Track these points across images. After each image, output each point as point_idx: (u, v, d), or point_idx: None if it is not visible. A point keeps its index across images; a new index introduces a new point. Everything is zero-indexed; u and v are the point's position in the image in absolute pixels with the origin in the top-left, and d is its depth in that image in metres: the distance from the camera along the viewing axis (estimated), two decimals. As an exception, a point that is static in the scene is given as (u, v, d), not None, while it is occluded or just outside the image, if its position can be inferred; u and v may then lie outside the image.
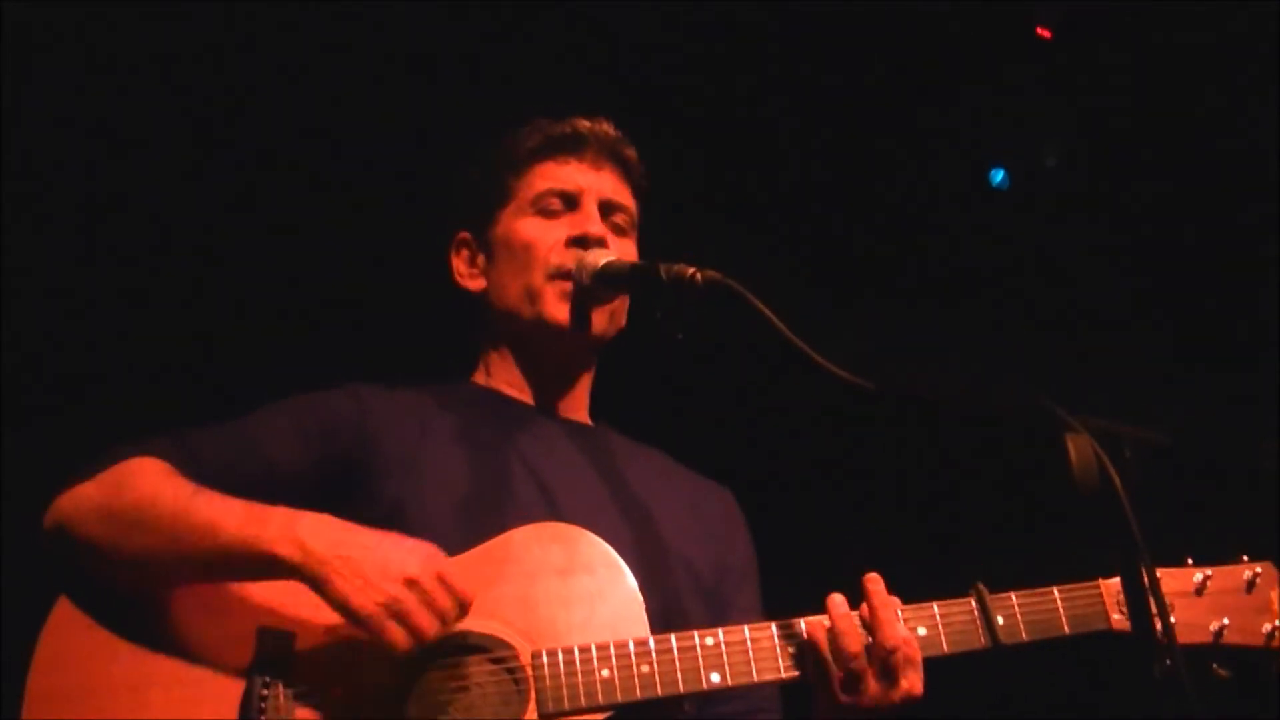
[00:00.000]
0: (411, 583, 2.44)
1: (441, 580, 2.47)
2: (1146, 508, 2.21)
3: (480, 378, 3.13)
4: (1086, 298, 5.17)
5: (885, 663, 2.59)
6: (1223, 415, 4.50)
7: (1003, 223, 5.29)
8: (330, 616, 2.49)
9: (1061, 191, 5.24)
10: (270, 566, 2.49)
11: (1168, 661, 2.25)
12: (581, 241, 3.00)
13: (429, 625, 2.44)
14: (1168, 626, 2.28)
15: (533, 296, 3.00)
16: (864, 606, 2.64)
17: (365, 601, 2.43)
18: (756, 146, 5.00)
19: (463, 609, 2.49)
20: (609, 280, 2.92)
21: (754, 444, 4.77)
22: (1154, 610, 2.25)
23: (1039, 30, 4.91)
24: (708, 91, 4.87)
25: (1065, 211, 5.21)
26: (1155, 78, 4.91)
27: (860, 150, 5.13)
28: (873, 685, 2.59)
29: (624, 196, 3.14)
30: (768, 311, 2.51)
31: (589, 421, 3.14)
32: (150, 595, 2.60)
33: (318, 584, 2.46)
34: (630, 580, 2.65)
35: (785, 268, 4.89)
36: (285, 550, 2.48)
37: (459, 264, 3.17)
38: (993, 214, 5.33)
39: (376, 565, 2.45)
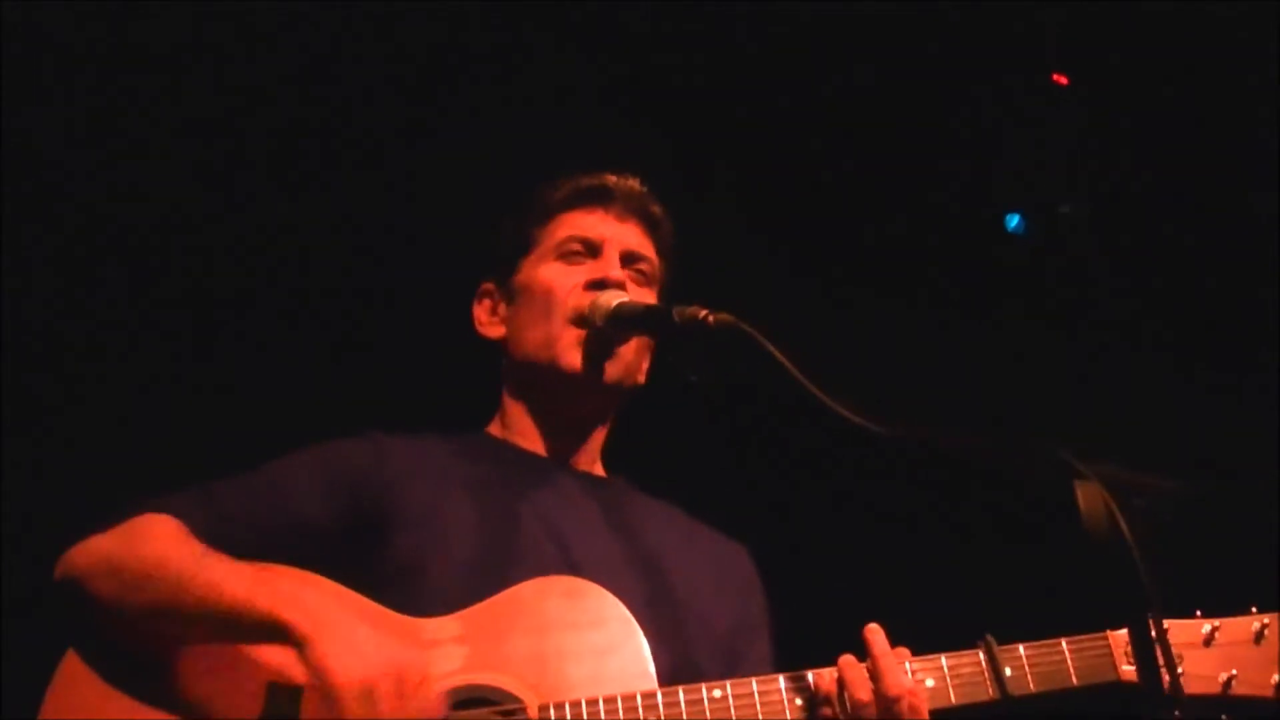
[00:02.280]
0: (387, 677, 2.45)
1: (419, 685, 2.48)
2: (1157, 557, 2.20)
3: (496, 429, 3.15)
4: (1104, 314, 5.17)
5: (889, 711, 2.58)
6: (1235, 460, 4.49)
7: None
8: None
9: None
10: (271, 627, 2.51)
11: (1176, 713, 2.25)
12: (600, 285, 3.02)
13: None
14: (1175, 679, 2.28)
15: (550, 342, 3.01)
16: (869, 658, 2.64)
17: (341, 678, 2.44)
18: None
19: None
20: (622, 322, 2.94)
21: (767, 496, 4.77)
22: (1162, 662, 2.25)
23: (1055, 77, 4.91)
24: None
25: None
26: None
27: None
28: None
29: (647, 249, 3.16)
30: (779, 354, 2.52)
31: (604, 475, 3.15)
32: (158, 651, 2.61)
33: (303, 645, 2.48)
34: (640, 636, 2.66)
35: (799, 285, 4.90)
36: (287, 613, 2.50)
37: (480, 313, 3.21)
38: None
39: (366, 644, 2.48)
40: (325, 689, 2.43)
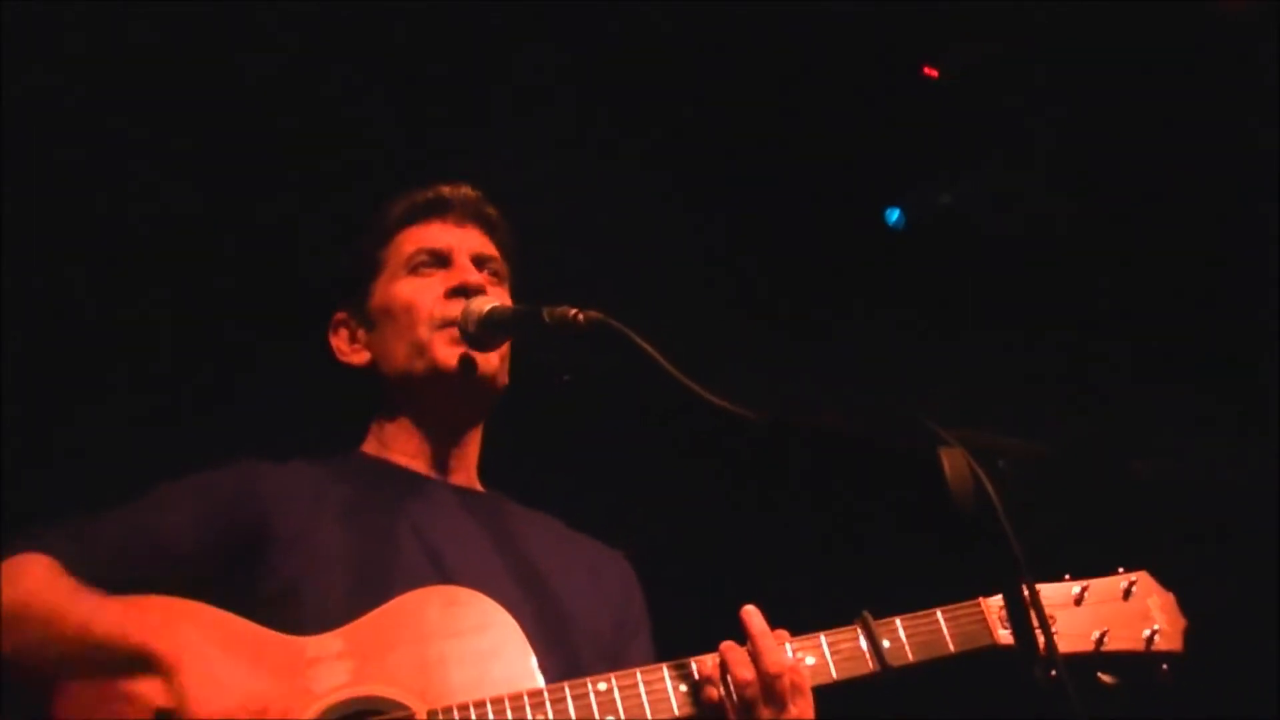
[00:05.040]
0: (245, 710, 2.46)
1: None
2: (1026, 521, 2.25)
3: (371, 447, 3.14)
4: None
5: (772, 689, 2.61)
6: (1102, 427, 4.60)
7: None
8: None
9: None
10: (143, 659, 2.50)
11: (1052, 672, 2.31)
12: (462, 291, 3.03)
13: None
14: (1050, 638, 2.33)
15: (421, 349, 3.02)
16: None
17: (199, 711, 2.44)
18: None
19: None
20: (494, 325, 2.95)
21: (641, 494, 4.79)
22: (1036, 624, 2.30)
23: (926, 70, 4.96)
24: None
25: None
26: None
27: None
28: (765, 712, 2.61)
29: (491, 250, 3.19)
30: (649, 348, 2.56)
31: (480, 488, 3.16)
32: (52, 690, 2.56)
33: (169, 676, 2.47)
34: (522, 638, 2.67)
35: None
36: (157, 644, 2.50)
37: (339, 343, 3.19)
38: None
39: (231, 676, 2.48)
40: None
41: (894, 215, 5.36)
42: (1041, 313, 5.22)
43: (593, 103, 4.63)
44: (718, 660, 2.65)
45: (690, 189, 4.92)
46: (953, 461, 2.27)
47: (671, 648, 2.87)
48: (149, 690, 2.51)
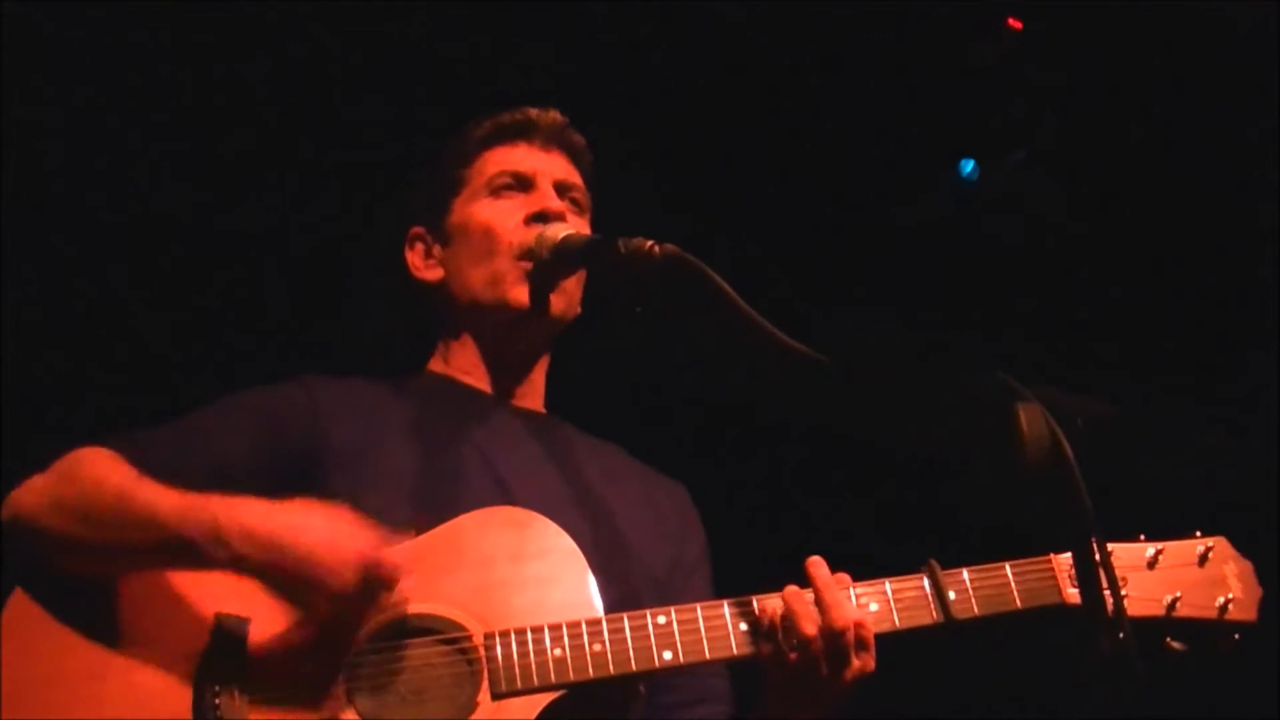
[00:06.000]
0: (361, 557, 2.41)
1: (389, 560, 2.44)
2: (1099, 482, 2.20)
3: (438, 365, 3.13)
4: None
5: (837, 643, 2.57)
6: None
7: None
8: (283, 600, 2.48)
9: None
10: (213, 534, 2.46)
11: (1120, 635, 2.25)
12: (541, 217, 3.00)
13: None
14: (1119, 599, 2.27)
15: (495, 280, 3.00)
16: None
17: (317, 571, 2.40)
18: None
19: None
20: (567, 254, 2.92)
21: (706, 432, 4.77)
22: (1105, 584, 2.25)
23: (1010, 21, 4.89)
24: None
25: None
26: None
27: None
28: (825, 667, 2.58)
29: (575, 178, 3.16)
30: (725, 286, 2.50)
31: (545, 412, 3.14)
32: (105, 585, 2.57)
33: (264, 564, 2.44)
34: (583, 565, 2.64)
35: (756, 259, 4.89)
36: (229, 534, 2.45)
37: (414, 258, 3.17)
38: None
39: (324, 537, 2.44)
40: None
41: (968, 167, 5.23)
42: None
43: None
44: (781, 609, 2.60)
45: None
46: (1030, 417, 2.21)
47: (731, 579, 2.86)
48: (215, 585, 2.52)
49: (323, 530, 2.44)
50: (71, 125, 4.14)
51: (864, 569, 2.70)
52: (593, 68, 4.59)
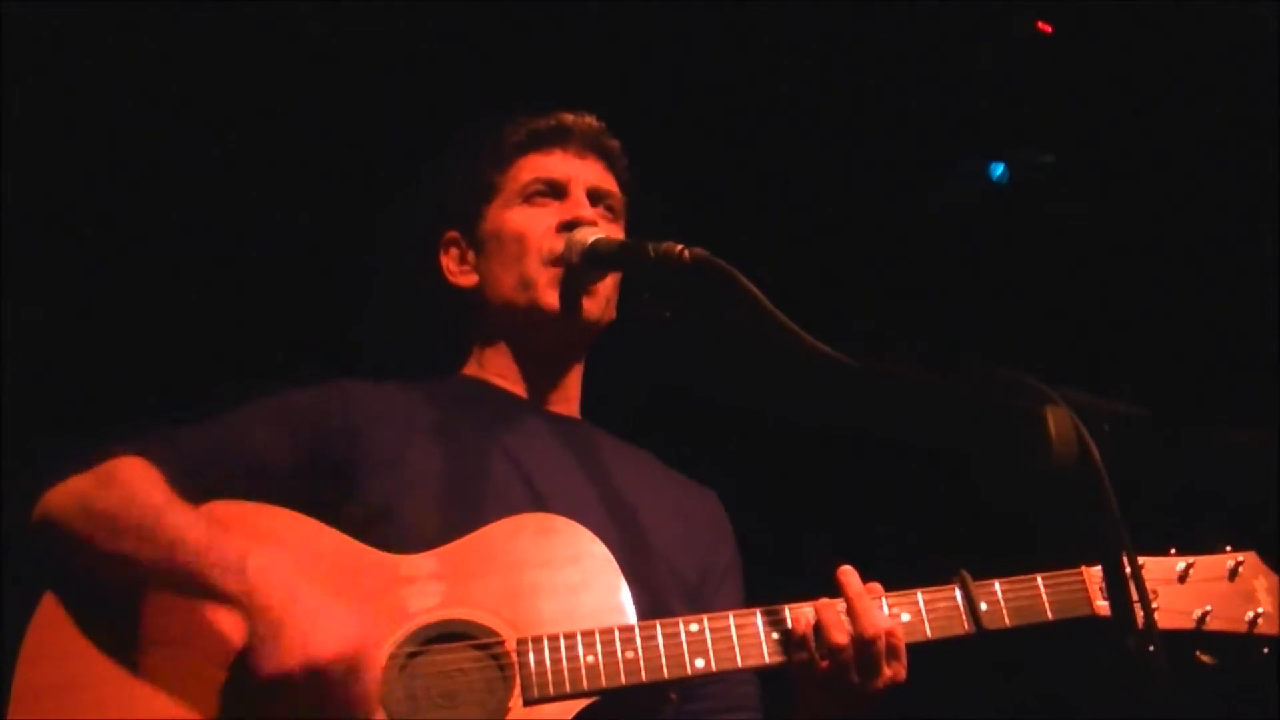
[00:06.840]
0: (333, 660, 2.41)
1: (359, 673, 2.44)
2: (1128, 489, 2.19)
3: (472, 369, 3.14)
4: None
5: (868, 652, 2.58)
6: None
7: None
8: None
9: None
10: (216, 596, 2.49)
11: (1150, 648, 2.25)
12: (572, 226, 3.01)
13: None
14: (1149, 614, 2.27)
15: (526, 284, 3.01)
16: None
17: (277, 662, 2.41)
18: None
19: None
20: (597, 258, 2.93)
21: (737, 440, 4.77)
22: (1135, 596, 2.25)
23: (1040, 25, 4.88)
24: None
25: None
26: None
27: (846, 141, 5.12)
28: (855, 675, 2.59)
29: (610, 184, 3.16)
30: (754, 289, 2.51)
31: (578, 417, 3.15)
32: (133, 589, 2.59)
33: (251, 619, 2.45)
34: (615, 571, 2.65)
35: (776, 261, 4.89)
36: (232, 585, 2.47)
37: (449, 262, 3.18)
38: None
39: (308, 629, 2.43)
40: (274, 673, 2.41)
41: (998, 170, 5.22)
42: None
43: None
44: (812, 619, 2.62)
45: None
46: (1058, 421, 2.18)
47: (763, 588, 2.86)
48: (227, 628, 2.52)
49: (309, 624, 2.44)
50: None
51: (893, 575, 2.72)
52: (606, 68, 4.58)
